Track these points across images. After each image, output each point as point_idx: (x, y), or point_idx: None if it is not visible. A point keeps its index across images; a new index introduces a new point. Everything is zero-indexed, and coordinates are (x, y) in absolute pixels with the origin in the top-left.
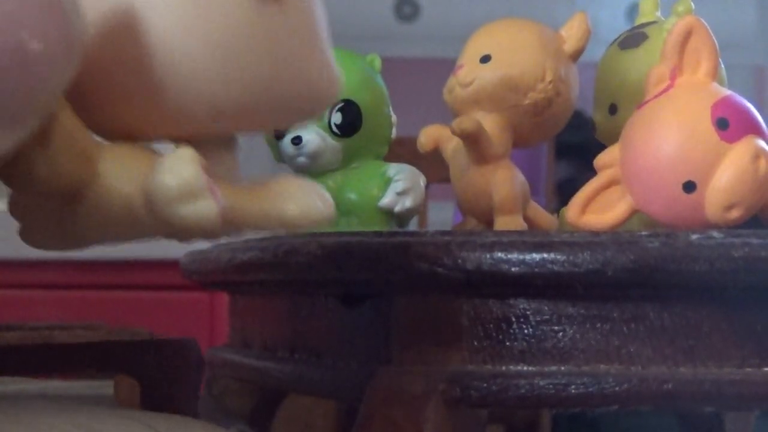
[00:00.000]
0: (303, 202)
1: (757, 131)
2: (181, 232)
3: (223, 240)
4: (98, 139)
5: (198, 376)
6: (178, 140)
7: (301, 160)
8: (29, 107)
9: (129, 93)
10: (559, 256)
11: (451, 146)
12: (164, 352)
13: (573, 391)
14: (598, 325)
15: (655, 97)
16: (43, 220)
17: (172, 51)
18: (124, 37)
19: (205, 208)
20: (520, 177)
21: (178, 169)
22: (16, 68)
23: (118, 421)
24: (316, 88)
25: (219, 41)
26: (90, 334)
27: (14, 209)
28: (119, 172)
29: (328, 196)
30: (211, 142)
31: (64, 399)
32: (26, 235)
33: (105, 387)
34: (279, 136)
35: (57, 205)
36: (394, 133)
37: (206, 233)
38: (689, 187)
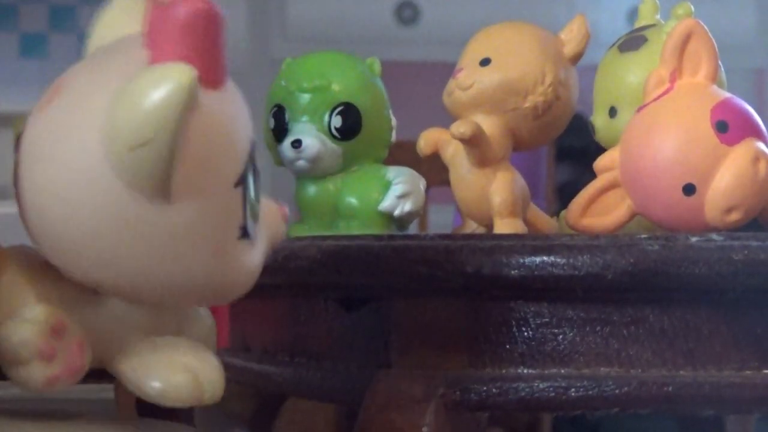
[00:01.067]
0: (166, 383)
1: (756, 134)
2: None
3: None
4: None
5: None
6: None
7: (301, 163)
8: None
9: (35, 239)
10: (558, 260)
11: (451, 149)
12: None
13: (573, 394)
14: (598, 328)
15: (655, 99)
16: None
17: (52, 225)
18: (24, 189)
19: (32, 373)
20: (520, 180)
21: (14, 331)
22: None
23: (108, 427)
24: (201, 286)
25: (95, 230)
26: None
27: None
28: (2, 300)
29: (210, 375)
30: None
31: (59, 404)
32: None
33: (105, 391)
34: (279, 139)
35: None
36: (393, 136)
37: (42, 391)
38: (689, 189)
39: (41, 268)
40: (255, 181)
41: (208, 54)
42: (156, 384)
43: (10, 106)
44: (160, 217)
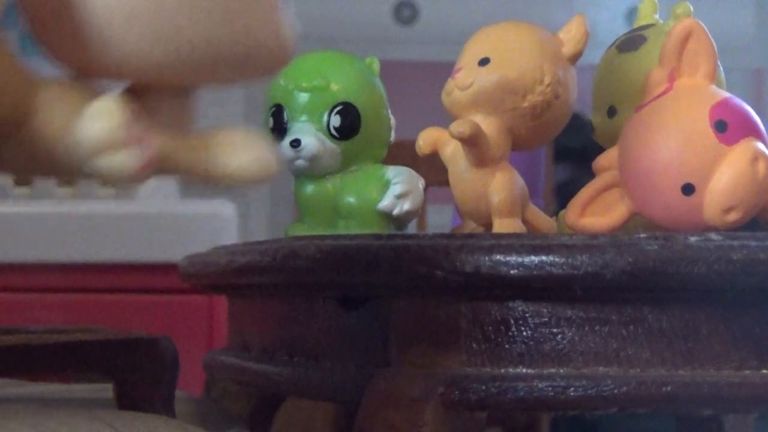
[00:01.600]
0: (244, 158)
1: (755, 134)
2: (101, 178)
3: (222, 243)
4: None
5: (173, 375)
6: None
7: (300, 163)
8: None
9: (65, 34)
10: (557, 259)
11: (450, 149)
12: (138, 351)
13: (572, 393)
14: (597, 327)
15: (654, 99)
16: None
17: (103, 6)
18: None
19: (123, 160)
20: (519, 180)
21: (98, 119)
22: None
23: (78, 421)
24: (260, 50)
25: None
26: (70, 336)
27: None
28: (50, 111)
29: (271, 154)
30: (162, 89)
31: (53, 402)
32: None
33: (104, 390)
34: (278, 139)
35: None
36: (392, 136)
37: (126, 182)
38: (688, 189)
39: (78, 83)
40: None
41: None
42: (236, 161)
43: None
44: None
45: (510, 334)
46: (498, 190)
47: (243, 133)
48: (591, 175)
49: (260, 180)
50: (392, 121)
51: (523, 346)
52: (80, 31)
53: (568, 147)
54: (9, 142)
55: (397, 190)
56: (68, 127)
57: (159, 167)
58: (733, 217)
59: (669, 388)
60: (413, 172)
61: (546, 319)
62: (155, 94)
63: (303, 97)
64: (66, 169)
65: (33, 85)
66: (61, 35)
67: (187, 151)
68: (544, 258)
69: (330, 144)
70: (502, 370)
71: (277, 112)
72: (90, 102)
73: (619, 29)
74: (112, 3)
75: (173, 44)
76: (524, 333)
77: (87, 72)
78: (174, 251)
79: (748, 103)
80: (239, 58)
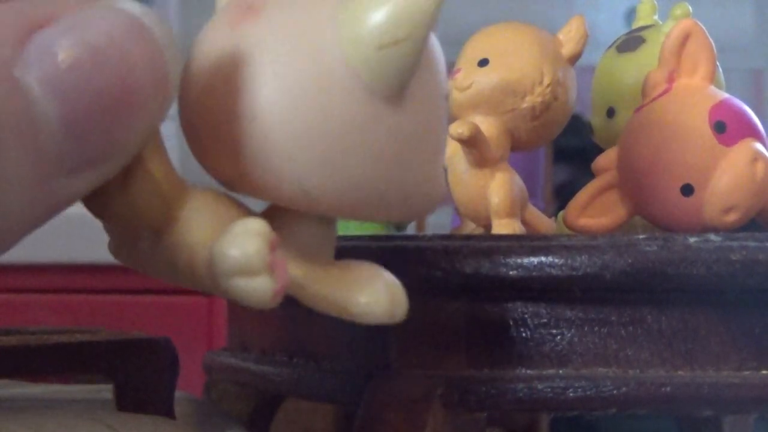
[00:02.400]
0: (371, 298)
1: (754, 134)
2: (236, 300)
3: None
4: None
5: (173, 376)
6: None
7: None
8: (121, 147)
9: (222, 153)
10: (557, 260)
11: (449, 150)
12: (137, 352)
13: (571, 394)
14: (596, 328)
15: (653, 100)
16: (124, 243)
17: (272, 127)
18: (229, 95)
19: (260, 285)
20: (518, 181)
21: (240, 241)
22: (120, 105)
23: (77, 422)
24: (422, 194)
25: (324, 132)
26: (69, 337)
27: (107, 228)
28: (195, 219)
29: (401, 293)
30: (303, 215)
31: (52, 403)
32: (113, 251)
33: (104, 391)
34: None
35: (134, 238)
36: None
37: (260, 306)
38: (687, 190)
39: (223, 195)
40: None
41: None
42: (364, 299)
43: None
44: (391, 122)
45: (509, 335)
46: (497, 191)
47: (374, 270)
48: (590, 175)
49: (388, 320)
50: None
51: (523, 347)
52: (242, 144)
53: (568, 148)
54: (152, 245)
55: None
56: (209, 241)
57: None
58: (732, 217)
59: (668, 389)
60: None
61: (545, 320)
62: (298, 218)
63: None
64: (204, 284)
65: (181, 190)
66: (218, 144)
67: (316, 281)
68: (543, 259)
69: None
70: (502, 371)
71: None
72: (235, 218)
73: (618, 30)
74: (285, 124)
75: (338, 179)
76: (523, 334)
77: (239, 187)
78: None
79: (748, 104)
80: (399, 201)
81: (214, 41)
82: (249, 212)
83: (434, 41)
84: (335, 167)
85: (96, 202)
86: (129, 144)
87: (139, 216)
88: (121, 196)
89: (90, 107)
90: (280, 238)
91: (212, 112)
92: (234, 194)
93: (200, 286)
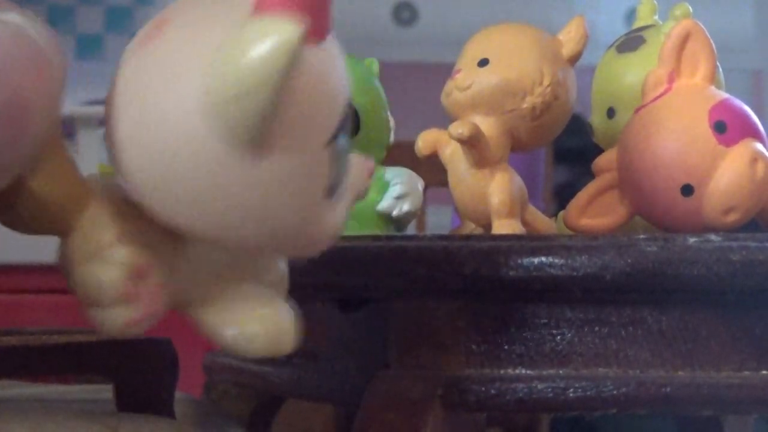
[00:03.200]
0: (246, 331)
1: (754, 134)
2: (96, 326)
3: None
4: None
5: (173, 377)
6: None
7: None
8: (9, 163)
9: (122, 176)
10: (557, 260)
11: (449, 150)
12: (137, 353)
13: (571, 394)
14: (597, 328)
15: (653, 100)
16: None
17: (131, 161)
18: (111, 119)
19: (111, 317)
20: (518, 181)
21: (98, 272)
22: (10, 120)
23: (77, 423)
24: (286, 239)
25: (176, 175)
26: (70, 337)
27: None
28: (82, 238)
29: (285, 330)
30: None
31: (53, 404)
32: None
33: (104, 391)
34: None
35: None
36: (392, 137)
37: (119, 334)
38: (687, 190)
39: (125, 205)
40: (344, 137)
41: (316, 6)
42: (231, 332)
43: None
44: (252, 173)
45: (509, 335)
46: (497, 192)
47: (262, 299)
48: (590, 176)
49: (267, 354)
50: (392, 122)
51: (523, 347)
52: (119, 169)
53: (568, 148)
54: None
55: (397, 191)
56: (83, 260)
57: (176, 308)
58: (732, 218)
59: (668, 389)
60: (413, 174)
61: (545, 321)
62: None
63: None
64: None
65: (80, 200)
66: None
67: (204, 310)
68: (543, 259)
69: None
70: (502, 371)
71: None
72: (134, 229)
73: (619, 30)
74: (140, 160)
75: (200, 220)
76: (524, 334)
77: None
78: None
79: (747, 104)
80: (277, 241)
81: (123, 57)
82: (150, 226)
83: (325, 83)
84: (193, 209)
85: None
86: (17, 160)
87: (32, 227)
88: (11, 210)
89: None
90: (186, 257)
91: (110, 126)
92: None
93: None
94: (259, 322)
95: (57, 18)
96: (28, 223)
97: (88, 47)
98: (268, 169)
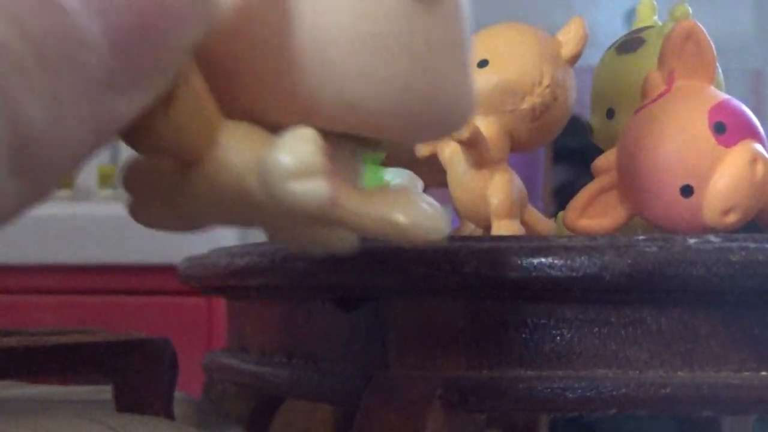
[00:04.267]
0: (413, 214)
1: (754, 135)
2: (292, 210)
3: (223, 245)
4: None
5: (172, 377)
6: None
7: None
8: (165, 64)
9: (261, 74)
10: (556, 261)
11: (449, 151)
12: (137, 353)
13: (570, 395)
14: (596, 329)
15: (652, 101)
16: (156, 194)
17: (315, 38)
18: (266, 13)
19: (317, 188)
20: (518, 181)
21: (295, 146)
22: (156, 19)
23: (77, 423)
24: (456, 105)
25: (368, 36)
26: (68, 338)
27: (128, 182)
28: (236, 145)
29: (442, 212)
30: (341, 144)
31: (52, 404)
32: (136, 212)
33: (103, 392)
34: None
35: (172, 177)
36: None
37: (315, 214)
38: (686, 191)
39: (257, 127)
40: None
41: None
42: (402, 217)
43: None
44: (426, 24)
45: (509, 335)
46: (497, 192)
47: (411, 194)
48: (590, 176)
49: (430, 239)
50: None
51: (522, 347)
52: (291, 60)
53: (567, 149)
54: (192, 181)
55: None
56: (260, 157)
57: (331, 214)
58: (731, 218)
59: (668, 390)
60: (412, 174)
61: (545, 321)
62: (338, 139)
63: None
64: (254, 202)
65: (219, 115)
66: (269, 66)
67: (359, 201)
68: (543, 260)
69: None
70: (501, 372)
71: None
72: (272, 138)
73: (618, 31)
74: (329, 30)
75: (377, 85)
76: (523, 335)
77: (286, 113)
78: (173, 253)
79: (747, 105)
80: (434, 112)
81: None
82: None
83: None
84: (374, 72)
85: (141, 130)
86: (173, 60)
87: (184, 138)
88: (167, 118)
89: (132, 23)
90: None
91: (255, 40)
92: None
93: (248, 215)
94: (422, 209)
95: None
96: (183, 131)
97: None
98: (443, 27)
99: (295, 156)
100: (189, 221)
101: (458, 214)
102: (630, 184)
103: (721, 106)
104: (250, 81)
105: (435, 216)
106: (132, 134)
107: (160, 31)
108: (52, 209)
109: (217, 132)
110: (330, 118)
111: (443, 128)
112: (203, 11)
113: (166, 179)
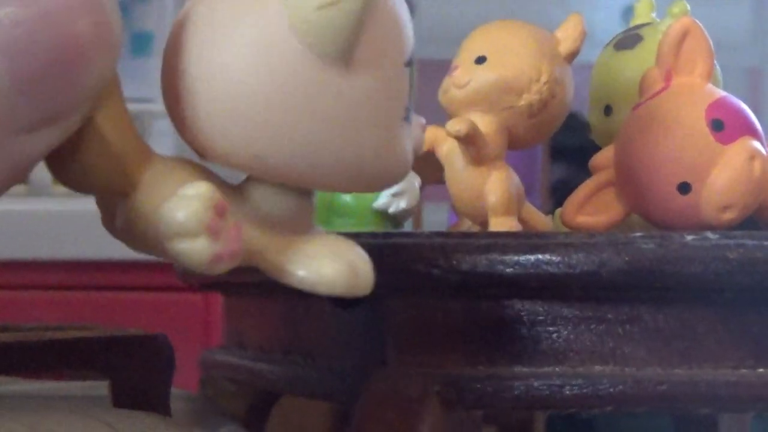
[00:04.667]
0: (310, 272)
1: (751, 132)
2: (178, 263)
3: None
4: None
5: (169, 373)
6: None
7: None
8: (72, 103)
9: (187, 118)
10: (554, 258)
11: (446, 147)
12: (133, 349)
13: (567, 392)
14: (593, 326)
15: (650, 98)
16: (108, 214)
17: (223, 89)
18: (187, 58)
19: (200, 248)
20: (515, 178)
21: (183, 204)
22: (67, 61)
23: (74, 419)
24: (371, 167)
25: (268, 93)
26: (65, 334)
27: (97, 198)
28: (148, 189)
29: (362, 270)
30: (272, 186)
31: (49, 400)
32: (104, 223)
33: (99, 388)
34: None
35: (113, 204)
36: None
37: (202, 271)
38: (684, 188)
39: (185, 163)
40: (412, 67)
41: None
42: (318, 271)
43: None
44: (338, 85)
45: (506, 332)
46: (494, 189)
47: (340, 245)
48: (587, 173)
49: (348, 293)
50: None
51: (519, 344)
52: (200, 107)
53: (565, 146)
54: (126, 208)
55: (394, 188)
56: (159, 206)
57: (246, 260)
58: (729, 215)
59: (665, 387)
60: (410, 171)
61: (542, 318)
62: (267, 189)
63: None
64: (156, 249)
65: (143, 156)
66: (184, 109)
67: (275, 251)
68: (540, 257)
69: None
70: (498, 369)
71: None
72: (177, 190)
73: (616, 28)
74: (233, 85)
75: (285, 142)
76: (520, 332)
77: (206, 154)
78: None
79: (745, 102)
80: (355, 168)
81: (183, 10)
82: (216, 180)
83: (399, 7)
84: (281, 129)
85: (56, 166)
86: (80, 101)
87: (95, 179)
88: (77, 158)
89: (38, 63)
90: (252, 208)
91: (177, 75)
92: (207, 164)
93: (157, 254)
94: (340, 260)
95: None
96: (93, 172)
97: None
98: (353, 83)
99: (182, 214)
100: (126, 243)
101: (456, 211)
102: (628, 181)
103: (719, 104)
104: (185, 122)
105: (344, 272)
106: (52, 168)
107: (66, 69)
108: (49, 205)
109: (140, 170)
110: (245, 166)
111: (368, 185)
112: (108, 51)
113: (112, 204)
